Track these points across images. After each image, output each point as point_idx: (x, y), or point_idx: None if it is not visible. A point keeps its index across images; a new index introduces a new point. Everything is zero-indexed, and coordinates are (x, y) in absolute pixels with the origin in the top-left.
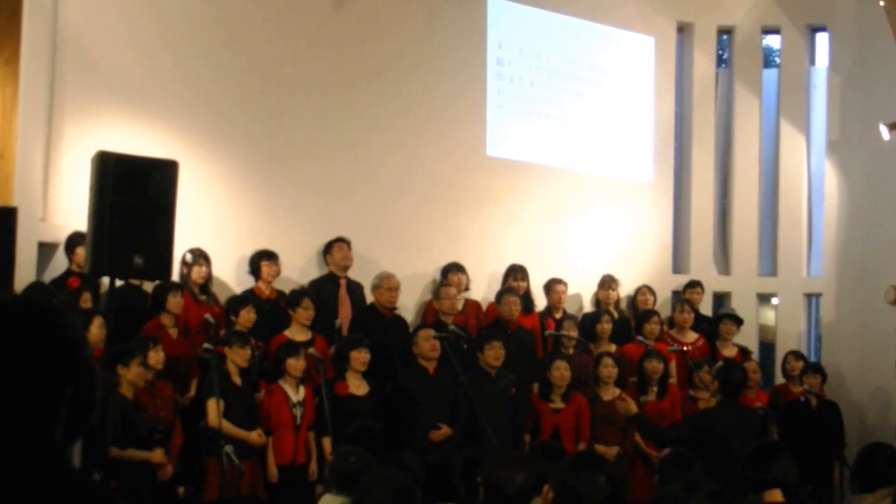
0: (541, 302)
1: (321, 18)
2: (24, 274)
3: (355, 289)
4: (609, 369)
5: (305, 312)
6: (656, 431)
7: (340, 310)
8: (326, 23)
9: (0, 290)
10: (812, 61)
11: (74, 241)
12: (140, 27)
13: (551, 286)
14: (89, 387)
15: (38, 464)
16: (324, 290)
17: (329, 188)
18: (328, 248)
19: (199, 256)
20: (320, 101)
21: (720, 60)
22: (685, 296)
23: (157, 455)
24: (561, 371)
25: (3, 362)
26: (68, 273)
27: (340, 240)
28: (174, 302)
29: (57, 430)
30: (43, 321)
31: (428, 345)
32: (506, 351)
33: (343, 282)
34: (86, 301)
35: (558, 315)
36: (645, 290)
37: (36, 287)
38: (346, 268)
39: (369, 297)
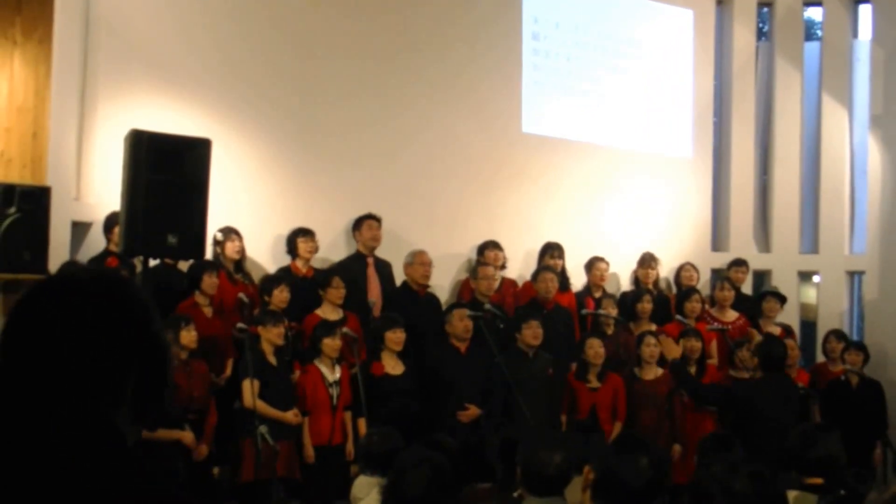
0: (578, 281)
1: None
2: (58, 253)
3: (383, 268)
4: (652, 348)
5: (337, 292)
6: (694, 385)
7: (370, 289)
8: None
9: (35, 264)
10: (855, 34)
11: (112, 221)
12: (172, 3)
13: (593, 264)
14: (159, 364)
15: (92, 448)
16: (352, 270)
17: (362, 164)
18: (357, 225)
19: (230, 232)
20: (354, 76)
21: (760, 34)
22: (728, 274)
23: (187, 436)
24: (595, 349)
25: (60, 338)
26: (106, 253)
27: (371, 217)
28: (209, 282)
29: (121, 410)
30: (105, 295)
31: (462, 325)
32: (543, 330)
33: (371, 261)
34: None
35: (598, 294)
36: (689, 266)
37: (70, 266)
38: (374, 248)
39: (398, 276)
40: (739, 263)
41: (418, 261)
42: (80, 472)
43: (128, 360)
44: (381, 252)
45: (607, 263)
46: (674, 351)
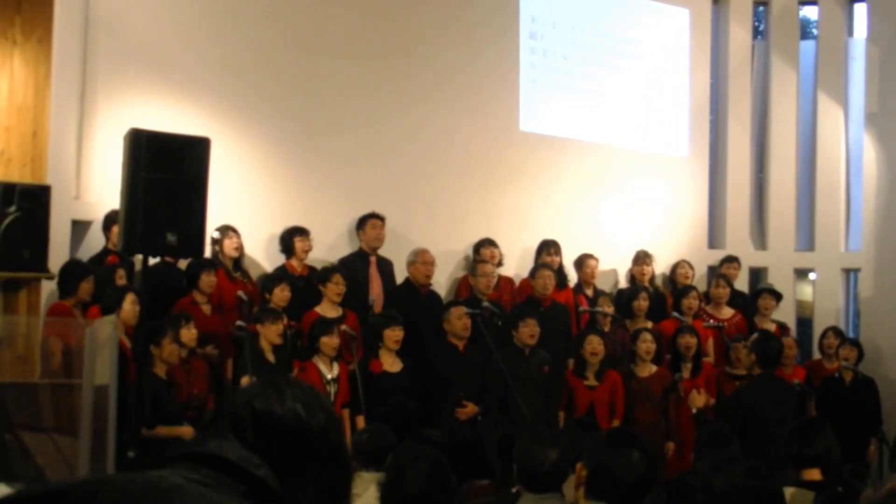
0: (574, 278)
1: None
2: (58, 252)
3: (385, 266)
4: (647, 345)
5: (336, 287)
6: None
7: (371, 287)
8: None
9: (35, 263)
10: (850, 32)
11: (111, 219)
12: (172, 3)
13: (583, 261)
14: (339, 470)
15: None
16: (354, 268)
17: (360, 163)
18: (361, 224)
19: (227, 230)
20: (352, 75)
21: (756, 32)
22: (721, 271)
23: (187, 432)
24: (594, 346)
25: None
26: (105, 251)
27: (375, 216)
28: (207, 280)
29: None
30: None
31: (460, 323)
32: (539, 328)
33: (373, 259)
34: (121, 278)
35: (589, 291)
36: (684, 264)
37: (72, 264)
38: (377, 247)
39: (399, 274)
40: (731, 260)
41: (420, 260)
42: None
43: (307, 469)
44: (379, 250)
45: (597, 260)
46: (698, 401)
